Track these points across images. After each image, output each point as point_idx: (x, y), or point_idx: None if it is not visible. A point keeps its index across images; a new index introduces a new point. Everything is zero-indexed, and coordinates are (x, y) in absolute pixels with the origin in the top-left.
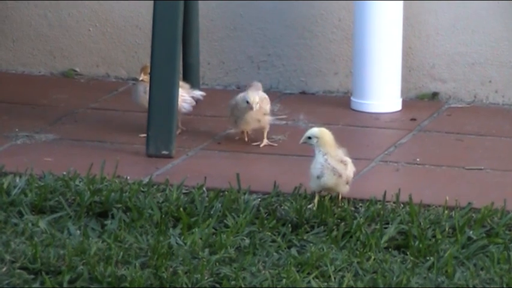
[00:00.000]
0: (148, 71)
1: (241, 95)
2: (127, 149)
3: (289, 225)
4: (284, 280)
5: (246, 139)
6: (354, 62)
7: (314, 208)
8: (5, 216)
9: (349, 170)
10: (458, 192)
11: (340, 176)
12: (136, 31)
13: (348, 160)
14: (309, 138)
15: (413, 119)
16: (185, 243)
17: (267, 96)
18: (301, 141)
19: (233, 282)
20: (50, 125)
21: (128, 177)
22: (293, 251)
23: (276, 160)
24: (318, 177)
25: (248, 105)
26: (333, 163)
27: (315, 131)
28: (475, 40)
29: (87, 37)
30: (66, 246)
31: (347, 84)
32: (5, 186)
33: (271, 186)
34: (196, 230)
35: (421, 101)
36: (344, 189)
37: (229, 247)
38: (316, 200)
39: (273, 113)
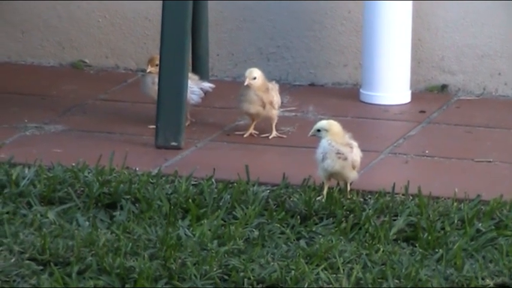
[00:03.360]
0: (156, 62)
1: None
2: (136, 140)
3: (298, 217)
4: (293, 272)
5: (253, 131)
6: (363, 54)
7: (323, 200)
8: (13, 207)
9: (355, 153)
10: (467, 184)
11: (345, 158)
12: (145, 22)
13: (354, 144)
14: (318, 130)
15: (422, 111)
16: (194, 235)
17: (277, 87)
18: (310, 133)
19: (242, 274)
20: (59, 116)
21: (137, 169)
22: (302, 242)
23: (285, 152)
24: (322, 160)
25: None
26: (337, 146)
27: (323, 123)
28: (484, 32)
29: (96, 28)
30: (75, 238)
31: (356, 76)
32: (14, 177)
33: (280, 178)
34: (205, 221)
35: (430, 93)
36: (351, 175)
37: (238, 239)
38: (325, 192)
39: (282, 104)
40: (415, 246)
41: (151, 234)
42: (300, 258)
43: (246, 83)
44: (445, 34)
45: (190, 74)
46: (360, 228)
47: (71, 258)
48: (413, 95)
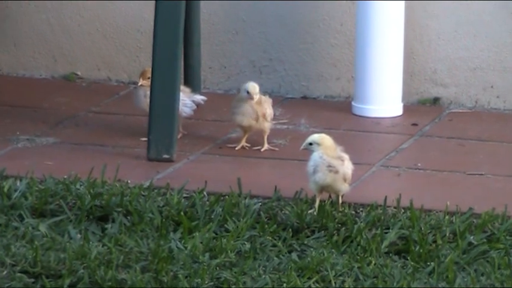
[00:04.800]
0: (148, 75)
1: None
2: (128, 153)
3: (290, 229)
4: (284, 285)
5: (245, 144)
6: (355, 66)
7: (315, 213)
8: (5, 220)
9: (346, 165)
10: (459, 197)
11: (336, 172)
12: (138, 35)
13: (345, 156)
14: (310, 144)
15: (414, 124)
16: (186, 248)
17: (270, 100)
18: (302, 147)
19: (233, 287)
20: (51, 129)
21: (129, 181)
22: (294, 255)
23: (277, 164)
24: (313, 173)
25: (248, 96)
26: (328, 159)
27: (315, 137)
28: (477, 45)
29: (88, 41)
30: (67, 250)
31: (348, 89)
32: (5, 189)
33: (272, 191)
34: (197, 234)
35: (422, 106)
36: (343, 188)
37: (229, 251)
38: (316, 205)
39: (274, 117)
40: (407, 259)
41: (143, 246)
42: (291, 271)
43: (255, 100)
44: (437, 47)
45: (182, 87)
46: (352, 241)
47: (62, 271)
48: (406, 108)
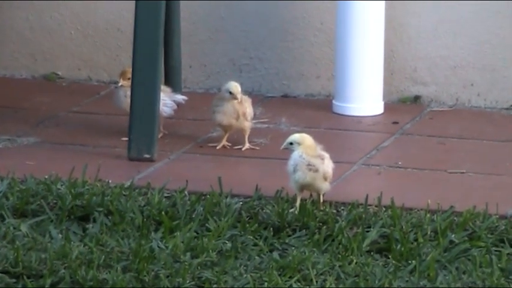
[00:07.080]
0: (128, 75)
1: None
2: (109, 153)
3: (271, 228)
4: (266, 284)
5: (225, 143)
6: (336, 65)
7: (296, 212)
8: None
9: (327, 164)
10: (440, 195)
11: (316, 170)
12: (118, 34)
13: (326, 155)
14: (291, 144)
15: (395, 122)
16: (167, 247)
17: (250, 100)
18: (283, 147)
19: (215, 286)
20: (31, 129)
21: (110, 181)
22: (275, 254)
23: (257, 163)
24: (293, 172)
25: (231, 96)
26: (307, 158)
27: (296, 137)
28: (457, 43)
29: (69, 40)
30: (48, 250)
31: (329, 88)
32: None
33: (253, 190)
34: (178, 233)
35: (403, 104)
36: (324, 187)
37: (211, 251)
38: (298, 204)
39: (255, 116)
40: (388, 258)
41: (124, 246)
42: (273, 270)
43: (239, 99)
44: (417, 45)
45: (162, 86)
46: (333, 240)
47: (44, 271)
48: (386, 106)
